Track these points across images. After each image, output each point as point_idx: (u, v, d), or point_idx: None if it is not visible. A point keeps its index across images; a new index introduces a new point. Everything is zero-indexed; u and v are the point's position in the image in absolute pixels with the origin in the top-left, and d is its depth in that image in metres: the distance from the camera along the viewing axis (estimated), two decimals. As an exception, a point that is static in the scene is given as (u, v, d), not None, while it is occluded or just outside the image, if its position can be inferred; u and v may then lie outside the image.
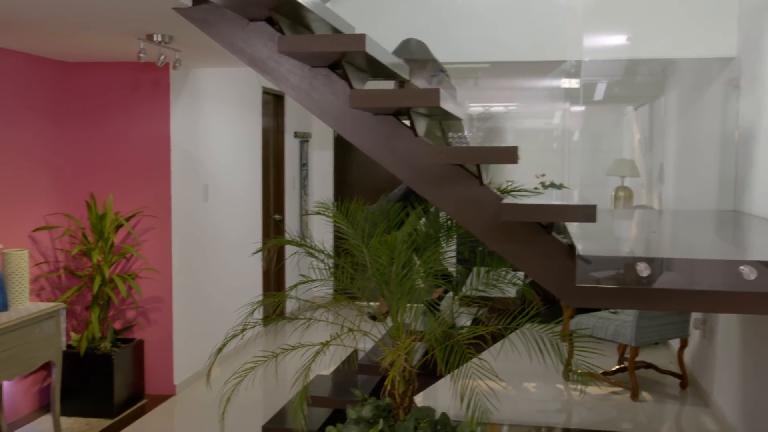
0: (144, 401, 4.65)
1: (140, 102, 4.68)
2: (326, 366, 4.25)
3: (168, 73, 4.64)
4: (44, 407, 4.43)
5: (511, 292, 3.16)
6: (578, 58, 4.86)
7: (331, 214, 2.96)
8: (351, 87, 2.61)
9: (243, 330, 2.79)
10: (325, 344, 2.71)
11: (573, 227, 2.78)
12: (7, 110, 4.14)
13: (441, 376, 3.12)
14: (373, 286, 2.82)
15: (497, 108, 7.62)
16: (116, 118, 4.71)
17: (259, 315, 3.78)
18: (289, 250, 4.23)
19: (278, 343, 5.65)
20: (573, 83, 5.71)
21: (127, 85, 4.68)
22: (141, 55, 3.72)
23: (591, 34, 4.66)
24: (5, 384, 4.08)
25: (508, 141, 7.56)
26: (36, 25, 3.45)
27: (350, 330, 2.81)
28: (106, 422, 4.27)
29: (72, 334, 4.50)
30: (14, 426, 4.16)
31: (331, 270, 3.02)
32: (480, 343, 2.70)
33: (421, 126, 2.72)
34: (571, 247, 2.39)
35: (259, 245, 6.08)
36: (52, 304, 3.96)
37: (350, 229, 2.89)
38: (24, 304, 3.86)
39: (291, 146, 7.12)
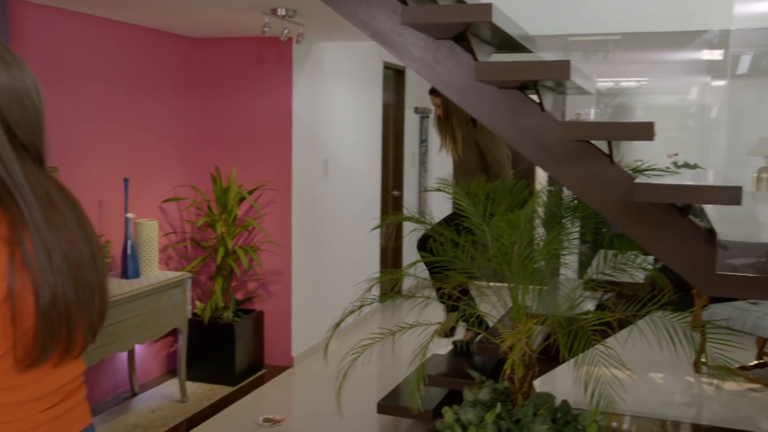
0: (263, 371, 4.82)
1: (264, 76, 4.81)
2: (443, 345, 4.26)
3: (291, 47, 4.74)
4: (171, 371, 4.69)
5: (640, 277, 3.02)
6: (725, 27, 4.54)
7: (451, 191, 2.92)
8: (475, 59, 2.55)
9: (361, 306, 2.82)
10: (444, 324, 2.69)
11: (710, 210, 2.62)
12: (141, 84, 4.35)
13: (563, 362, 3.05)
14: (493, 266, 2.77)
15: (627, 83, 7.29)
16: (241, 92, 4.86)
17: (376, 292, 3.83)
18: (407, 227, 4.24)
19: (394, 320, 5.71)
20: (716, 55, 5.35)
21: (252, 60, 4.82)
22: (265, 29, 3.80)
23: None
24: (137, 347, 4.34)
25: (638, 118, 7.23)
26: (169, 3, 3.60)
27: (469, 310, 2.78)
28: (227, 389, 4.47)
29: (197, 302, 4.71)
30: (145, 387, 4.43)
31: (441, 247, 2.99)
32: (606, 329, 2.60)
33: (548, 100, 2.63)
34: (710, 232, 2.25)
35: (378, 221, 6.14)
36: (179, 273, 4.16)
37: (471, 206, 2.85)
38: (154, 272, 4.08)
39: (411, 122, 7.12)
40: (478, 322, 3.19)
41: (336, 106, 5.47)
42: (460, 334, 4.12)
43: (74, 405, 1.28)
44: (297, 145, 4.86)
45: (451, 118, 3.96)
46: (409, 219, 3.02)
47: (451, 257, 2.78)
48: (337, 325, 2.85)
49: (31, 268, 1.11)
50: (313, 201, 5.17)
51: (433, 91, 4.02)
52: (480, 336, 3.91)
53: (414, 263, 2.93)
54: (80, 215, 1.24)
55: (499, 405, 2.72)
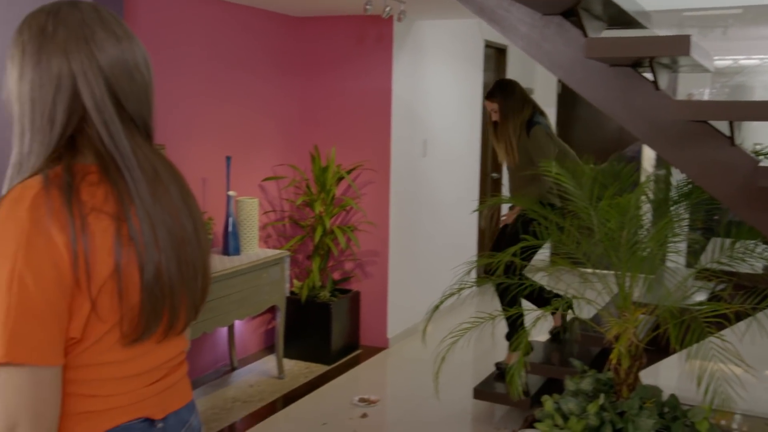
0: (359, 351, 4.88)
1: (364, 55, 4.82)
2: (540, 332, 4.19)
3: (392, 25, 4.73)
4: (268, 348, 4.82)
5: (759, 267, 2.87)
6: None
7: (554, 173, 2.85)
8: (585, 35, 2.46)
9: (460, 289, 2.80)
10: (547, 310, 2.64)
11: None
12: (244, 62, 4.45)
13: (673, 353, 2.93)
14: (600, 252, 2.69)
15: (747, 61, 6.90)
16: (341, 71, 4.90)
17: (473, 275, 3.82)
18: (505, 210, 4.19)
19: (490, 304, 5.67)
20: None
21: (352, 39, 4.84)
22: (367, 7, 3.80)
23: None
24: (237, 323, 4.48)
25: (758, 98, 6.84)
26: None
27: (574, 297, 2.71)
28: (323, 368, 4.55)
29: (294, 281, 4.81)
30: (243, 362, 4.57)
31: (545, 231, 2.92)
32: (722, 321, 2.48)
33: (664, 79, 2.51)
34: (844, 221, 2.10)
35: (476, 204, 6.09)
36: (278, 251, 4.26)
37: (577, 189, 2.77)
38: (254, 250, 4.18)
39: (511, 102, 6.98)
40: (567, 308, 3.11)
41: (435, 86, 5.44)
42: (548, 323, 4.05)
43: (176, 381, 1.29)
44: (396, 125, 4.86)
45: (508, 123, 3.91)
46: (513, 201, 2.97)
47: (555, 240, 2.71)
48: (436, 307, 2.84)
49: (136, 243, 1.12)
50: (411, 182, 5.17)
51: (490, 96, 3.99)
52: (569, 322, 3.85)
53: (517, 246, 2.88)
54: (185, 191, 1.25)
55: (602, 396, 2.65)
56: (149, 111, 1.23)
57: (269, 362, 4.60)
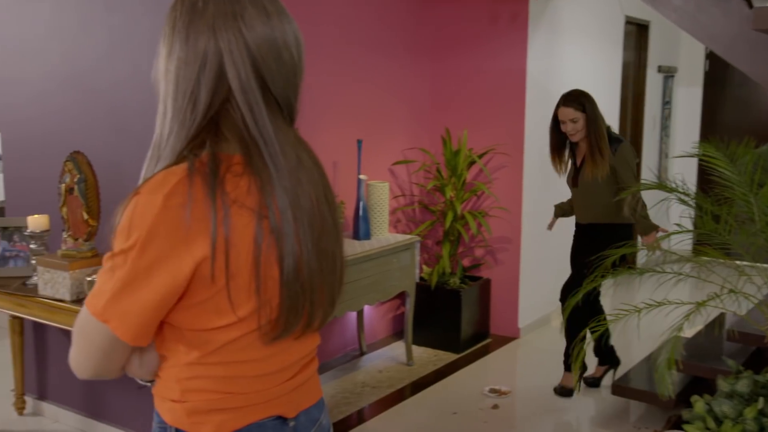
0: (488, 340, 4.81)
1: (497, 35, 4.71)
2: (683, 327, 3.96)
3: (527, 4, 4.59)
4: (397, 334, 4.83)
5: None
6: None
7: (712, 156, 2.66)
8: (750, 6, 2.28)
9: (603, 279, 2.68)
10: (701, 304, 2.48)
11: None
12: (375, 44, 4.46)
13: None
14: (761, 243, 2.50)
15: None
16: (473, 51, 4.81)
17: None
18: (650, 197, 3.95)
19: (626, 295, 5.44)
20: None
21: (485, 18, 4.74)
22: (503, -16, 3.70)
23: None
24: (366, 308, 4.52)
25: None
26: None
27: (731, 291, 2.53)
28: (452, 356, 4.52)
29: (424, 267, 4.80)
30: (372, 347, 4.61)
31: (700, 220, 2.74)
32: None
33: (842, 51, 2.29)
34: None
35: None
36: (408, 236, 4.25)
37: (735, 174, 2.58)
38: (384, 235, 4.20)
39: (653, 82, 6.66)
40: None
41: (572, 66, 5.24)
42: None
43: (307, 378, 1.26)
44: (530, 107, 4.73)
45: (597, 136, 3.71)
46: (661, 188, 2.81)
47: (710, 230, 2.54)
48: (575, 298, 2.73)
49: (276, 237, 1.09)
50: (546, 166, 5.01)
51: (576, 104, 3.75)
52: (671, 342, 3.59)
53: (668, 235, 2.72)
54: (325, 179, 1.21)
55: (761, 400, 2.46)
56: (296, 93, 1.18)
57: (398, 348, 4.61)
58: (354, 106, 4.34)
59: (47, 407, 3.68)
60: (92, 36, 3.30)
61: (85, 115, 3.36)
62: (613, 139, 3.76)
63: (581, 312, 3.60)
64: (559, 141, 3.87)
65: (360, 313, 4.48)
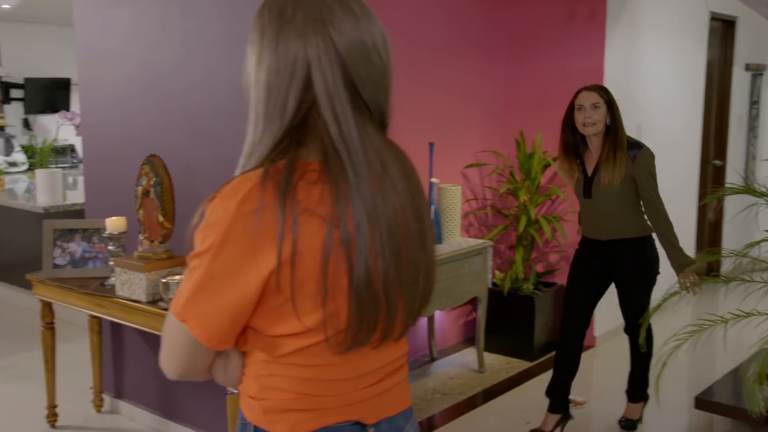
0: (563, 348, 4.71)
1: (573, 35, 4.62)
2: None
3: (605, 1, 4.48)
4: (468, 340, 4.78)
5: None
6: None
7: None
8: None
9: (686, 288, 2.58)
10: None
11: None
12: (447, 46, 4.42)
13: None
14: None
15: None
16: (548, 52, 4.73)
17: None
18: (735, 202, 3.79)
19: (710, 305, 5.24)
20: None
21: (561, 18, 4.65)
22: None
23: None
24: (437, 314, 4.49)
25: None
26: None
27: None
28: (525, 364, 4.44)
29: (496, 272, 4.73)
30: (443, 353, 4.58)
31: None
32: None
33: None
34: None
35: (695, 193, 5.65)
36: (480, 241, 4.20)
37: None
38: (455, 239, 4.16)
39: (740, 80, 6.41)
40: None
41: (653, 65, 5.09)
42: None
43: (393, 386, 1.24)
44: (608, 108, 4.61)
45: (618, 134, 3.29)
46: (747, 192, 2.69)
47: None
48: (658, 306, 2.64)
49: (347, 248, 1.07)
50: (624, 169, 4.89)
51: (599, 89, 3.34)
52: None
53: (758, 242, 2.60)
54: (414, 186, 1.18)
55: None
56: (386, 97, 1.17)
57: (469, 355, 4.56)
58: (426, 109, 4.32)
59: (124, 406, 3.78)
60: (169, 41, 3.38)
61: (161, 119, 3.44)
62: (632, 144, 3.33)
63: (636, 336, 3.39)
64: (574, 139, 3.39)
65: (431, 319, 4.45)
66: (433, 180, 4.03)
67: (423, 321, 4.47)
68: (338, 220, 1.07)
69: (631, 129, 4.87)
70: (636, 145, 3.33)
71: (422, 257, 1.18)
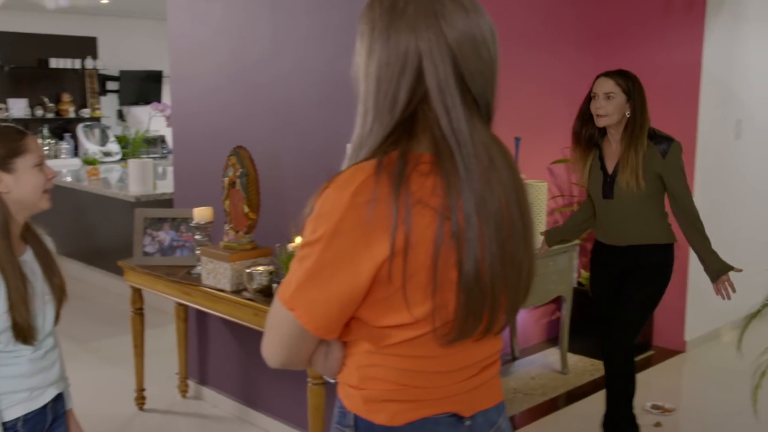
0: (651, 353, 4.57)
1: (669, 27, 4.45)
2: None
3: (705, -9, 4.31)
4: (551, 340, 4.69)
5: None
6: None
7: None
8: None
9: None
10: None
11: None
12: (535, 39, 4.34)
13: None
14: None
15: None
16: (641, 45, 4.57)
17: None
18: None
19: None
20: None
21: (657, 9, 4.49)
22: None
23: None
24: (520, 312, 4.42)
25: None
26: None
27: None
28: (610, 366, 4.32)
29: (582, 272, 4.62)
30: (525, 353, 4.51)
31: None
32: None
33: None
34: None
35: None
36: (566, 238, 4.10)
37: None
38: (541, 237, 4.08)
39: None
40: None
41: (756, 58, 4.86)
42: None
43: (488, 379, 1.26)
44: (705, 103, 4.43)
45: (641, 130, 2.96)
46: None
47: None
48: (756, 313, 2.52)
49: (458, 240, 1.09)
50: (721, 167, 4.69)
51: (618, 76, 3.03)
52: None
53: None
54: (517, 181, 1.18)
55: None
56: (493, 91, 1.18)
57: (552, 355, 4.48)
58: (512, 103, 4.25)
59: (207, 392, 3.88)
60: (258, 33, 3.43)
61: (248, 110, 3.50)
62: (661, 138, 3.00)
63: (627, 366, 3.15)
64: (586, 129, 3.12)
65: (513, 317, 4.38)
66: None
67: (505, 319, 4.41)
68: (449, 212, 1.08)
69: (729, 125, 4.68)
70: (666, 139, 3.00)
71: (525, 252, 1.18)
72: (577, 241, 4.12)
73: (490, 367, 1.27)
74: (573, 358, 4.41)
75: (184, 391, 3.93)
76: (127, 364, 3.84)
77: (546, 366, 4.32)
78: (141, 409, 3.76)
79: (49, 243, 2.08)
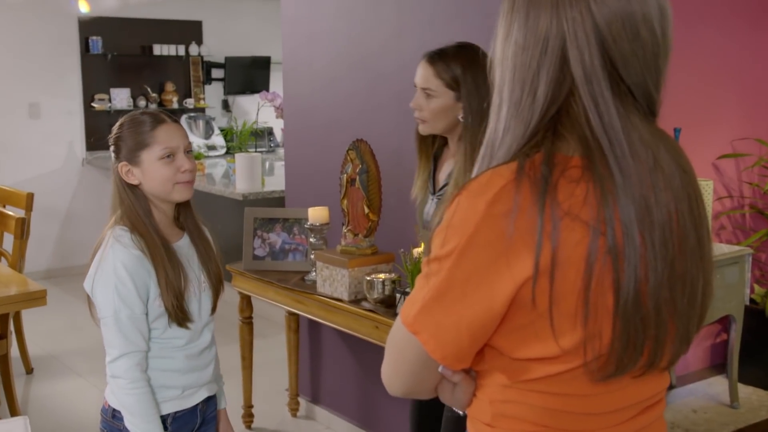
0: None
1: None
2: None
3: None
4: (717, 367, 4.53)
5: None
6: None
7: None
8: None
9: None
10: None
11: None
12: (700, 16, 4.20)
13: None
14: None
15: None
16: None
17: None
18: None
19: None
20: None
21: None
22: None
23: None
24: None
25: None
26: None
27: None
28: (789, 401, 4.13)
29: (755, 286, 4.44)
30: (684, 381, 4.37)
31: None
32: None
33: None
34: None
35: None
36: (735, 247, 3.96)
37: None
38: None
39: None
40: None
41: None
42: None
43: (650, 422, 1.20)
44: None
45: (474, 129, 2.32)
46: None
47: None
48: None
49: (614, 259, 1.03)
50: None
51: (443, 62, 2.40)
52: None
53: None
54: (692, 185, 1.12)
55: None
56: (657, 79, 1.13)
57: (718, 385, 4.31)
58: (671, 89, 4.10)
59: (320, 412, 3.98)
60: (381, 16, 3.48)
61: (369, 101, 3.57)
62: None
63: None
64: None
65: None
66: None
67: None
68: (604, 225, 1.03)
69: None
70: None
71: (699, 271, 1.12)
72: (749, 251, 3.96)
73: (653, 408, 1.20)
74: (745, 390, 4.24)
75: (294, 409, 4.05)
76: (234, 378, 3.98)
77: (710, 397, 4.17)
78: (248, 428, 3.90)
79: (208, 232, 2.33)
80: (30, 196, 4.63)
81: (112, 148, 2.16)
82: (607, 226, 1.03)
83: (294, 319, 3.97)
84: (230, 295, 3.84)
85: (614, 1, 1.07)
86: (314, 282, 3.30)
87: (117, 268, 2.05)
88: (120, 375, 2.07)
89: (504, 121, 1.12)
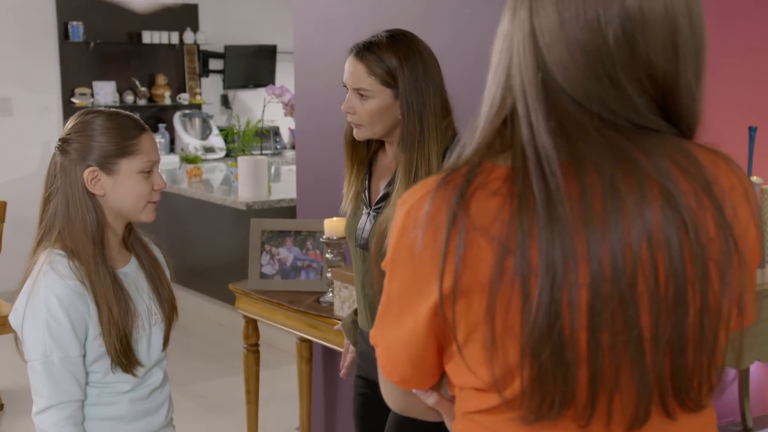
0: None
1: None
2: None
3: None
4: (798, 405, 4.51)
5: None
6: None
7: None
8: None
9: None
10: None
11: None
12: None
13: None
14: None
15: None
16: None
17: None
18: None
19: None
20: None
21: None
22: None
23: None
24: (754, 366, 4.26)
25: None
26: None
27: None
28: None
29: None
30: (762, 423, 4.34)
31: None
32: None
33: None
34: None
35: None
36: (819, 267, 3.94)
37: None
38: None
39: None
40: None
41: None
42: None
43: None
44: None
45: (424, 134, 2.33)
46: None
47: None
48: None
49: (524, 282, 1.01)
50: None
51: (374, 56, 2.40)
52: None
53: None
54: (715, 202, 1.10)
55: None
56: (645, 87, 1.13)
57: (800, 426, 4.30)
58: (743, 81, 4.12)
59: (336, 454, 3.98)
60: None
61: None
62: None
63: None
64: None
65: (744, 373, 4.24)
66: (755, 179, 3.84)
67: (732, 375, 4.27)
68: (516, 244, 1.02)
69: None
70: None
71: (681, 315, 1.06)
72: (838, 270, 3.94)
73: None
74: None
75: (306, 451, 4.05)
76: (237, 414, 4.00)
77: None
78: (253, 472, 3.91)
79: (157, 252, 2.24)
80: (2, 205, 4.66)
81: (74, 146, 2.02)
82: (519, 245, 1.02)
83: (307, 346, 3.97)
84: (234, 319, 3.86)
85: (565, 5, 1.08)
86: (331, 304, 3.30)
87: (50, 303, 1.95)
88: (47, 430, 2.00)
89: (480, 121, 1.15)
